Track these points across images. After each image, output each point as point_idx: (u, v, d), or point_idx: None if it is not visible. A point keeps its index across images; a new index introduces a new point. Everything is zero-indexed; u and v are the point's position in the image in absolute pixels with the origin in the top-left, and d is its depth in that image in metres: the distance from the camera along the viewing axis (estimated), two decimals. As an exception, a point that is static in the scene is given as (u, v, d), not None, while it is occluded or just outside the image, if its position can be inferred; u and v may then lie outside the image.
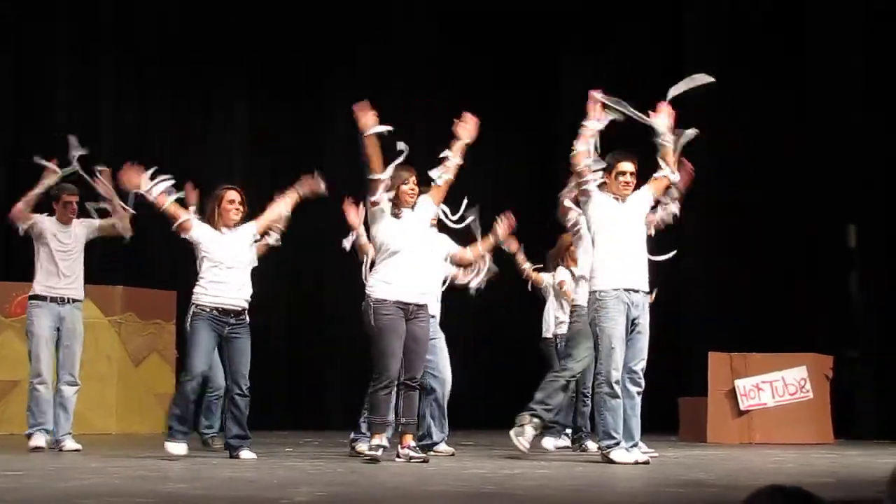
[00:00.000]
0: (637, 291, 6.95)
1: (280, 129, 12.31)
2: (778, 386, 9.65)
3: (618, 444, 6.83)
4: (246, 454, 7.28)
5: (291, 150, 12.12)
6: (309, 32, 12.23)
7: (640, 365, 6.96)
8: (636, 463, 6.78)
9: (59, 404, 7.99)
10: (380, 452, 6.83)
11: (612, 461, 6.78)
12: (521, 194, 11.38)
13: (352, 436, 7.72)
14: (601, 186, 7.05)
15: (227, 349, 7.34)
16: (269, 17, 12.10)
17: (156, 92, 11.86)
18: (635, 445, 6.96)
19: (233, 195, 7.36)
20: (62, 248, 7.98)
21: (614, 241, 6.95)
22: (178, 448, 7.11)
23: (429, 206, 7.05)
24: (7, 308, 10.36)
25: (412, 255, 6.89)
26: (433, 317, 7.67)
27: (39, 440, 7.91)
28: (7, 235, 10.72)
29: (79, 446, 7.97)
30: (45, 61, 11.35)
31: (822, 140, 11.27)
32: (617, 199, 7.04)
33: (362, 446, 7.45)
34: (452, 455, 7.70)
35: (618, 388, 6.84)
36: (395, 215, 6.91)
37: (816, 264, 11.43)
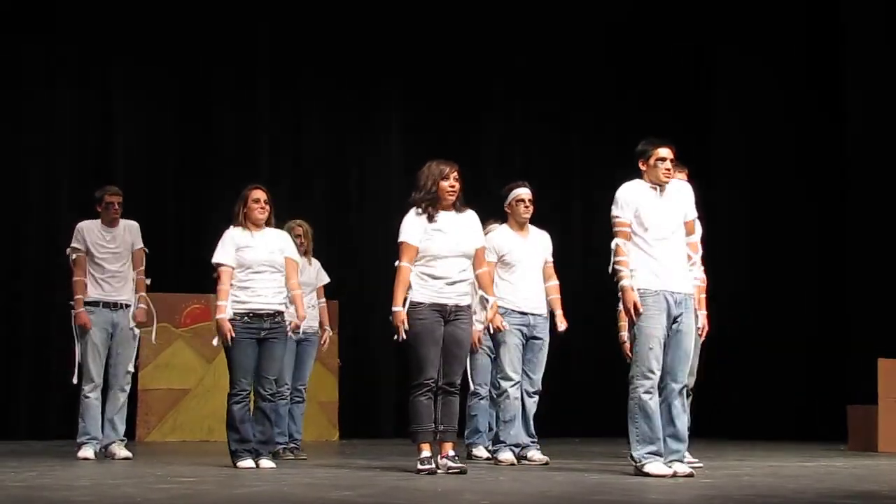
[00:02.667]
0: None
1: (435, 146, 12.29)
2: (953, 393, 9.30)
3: (655, 454, 6.34)
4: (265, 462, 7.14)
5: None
6: (464, 48, 12.25)
7: (683, 368, 6.44)
8: (674, 476, 6.27)
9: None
10: (432, 465, 6.53)
11: (646, 474, 6.30)
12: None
13: (490, 446, 7.77)
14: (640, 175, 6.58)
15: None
16: (424, 33, 12.16)
17: (311, 106, 12.04)
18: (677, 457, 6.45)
19: (258, 194, 7.29)
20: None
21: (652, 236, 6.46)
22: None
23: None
24: (177, 319, 10.70)
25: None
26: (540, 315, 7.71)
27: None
28: (180, 248, 11.06)
29: (129, 454, 8.01)
30: (202, 78, 11.63)
31: None
32: (654, 188, 6.56)
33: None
34: (547, 464, 7.50)
35: (655, 393, 6.37)
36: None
37: None
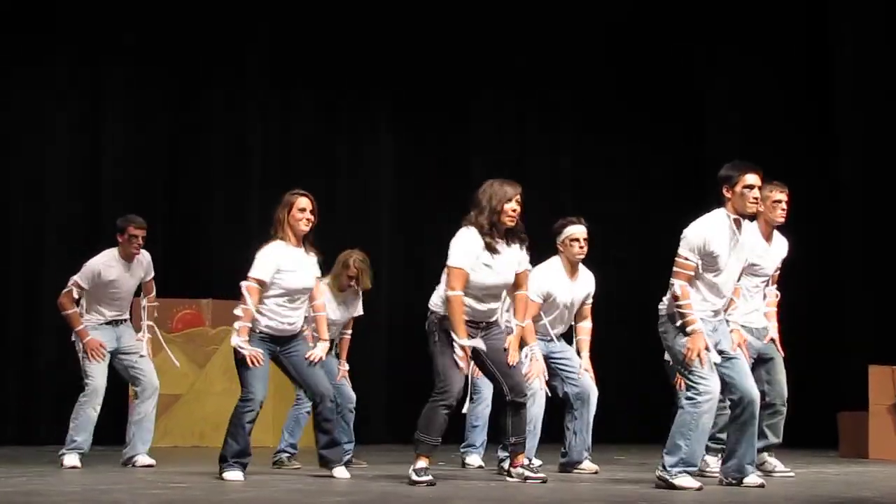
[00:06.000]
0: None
1: (426, 152, 12.21)
2: (945, 400, 9.27)
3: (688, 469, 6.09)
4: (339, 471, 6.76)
5: (437, 172, 12.02)
6: (463, 48, 12.19)
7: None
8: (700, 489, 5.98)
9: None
10: (430, 477, 6.20)
11: (675, 486, 5.99)
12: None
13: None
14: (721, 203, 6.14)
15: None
16: (413, 40, 12.09)
17: (301, 114, 11.98)
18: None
19: (304, 202, 6.73)
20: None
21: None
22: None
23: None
24: (169, 324, 10.60)
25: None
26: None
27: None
28: (172, 251, 11.02)
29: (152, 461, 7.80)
30: (194, 81, 11.57)
31: None
32: (737, 220, 6.07)
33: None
34: (596, 473, 7.31)
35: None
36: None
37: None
